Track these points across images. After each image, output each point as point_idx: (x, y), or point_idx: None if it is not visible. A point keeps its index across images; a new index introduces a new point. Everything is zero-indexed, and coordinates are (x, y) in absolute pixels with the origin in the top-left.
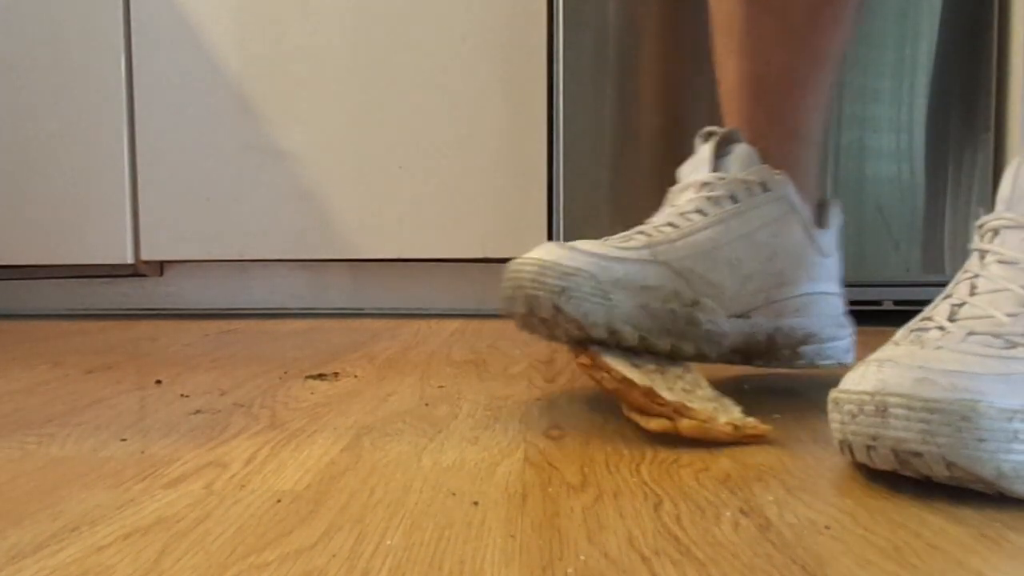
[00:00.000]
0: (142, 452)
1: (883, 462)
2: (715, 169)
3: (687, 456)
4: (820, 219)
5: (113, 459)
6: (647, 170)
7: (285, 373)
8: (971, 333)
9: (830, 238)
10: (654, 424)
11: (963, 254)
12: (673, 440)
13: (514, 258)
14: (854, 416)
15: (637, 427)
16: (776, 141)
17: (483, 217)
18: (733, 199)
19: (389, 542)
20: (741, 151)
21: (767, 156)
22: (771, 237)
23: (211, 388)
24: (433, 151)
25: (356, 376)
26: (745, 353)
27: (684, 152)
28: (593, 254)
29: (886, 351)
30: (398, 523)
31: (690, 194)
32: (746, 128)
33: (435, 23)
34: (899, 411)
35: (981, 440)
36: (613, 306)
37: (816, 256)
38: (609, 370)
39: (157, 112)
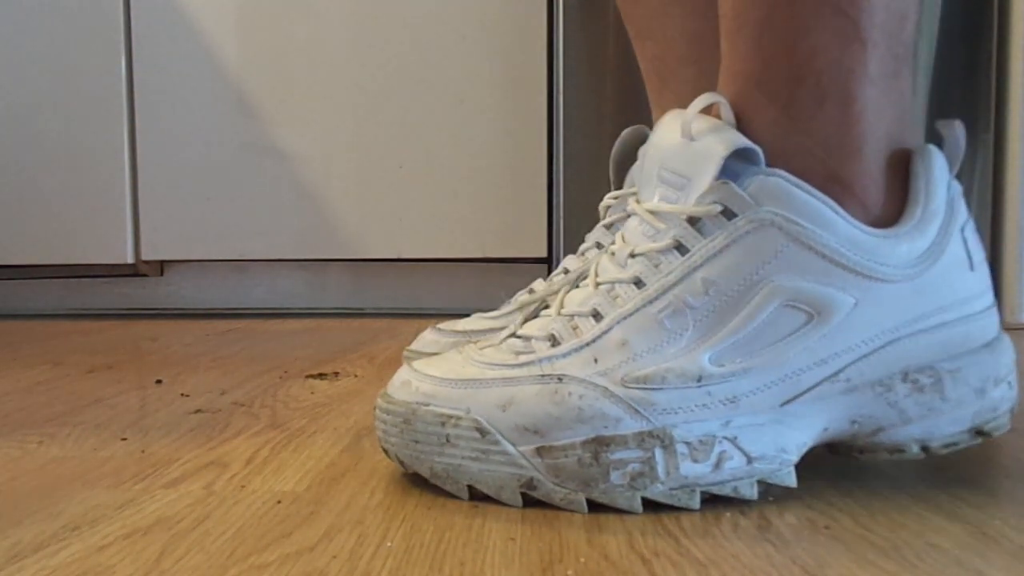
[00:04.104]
0: (142, 452)
1: (388, 455)
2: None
3: None
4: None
5: (113, 459)
6: None
7: (285, 373)
8: (512, 335)
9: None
10: None
11: None
12: None
13: (514, 259)
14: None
15: None
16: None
17: (483, 217)
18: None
19: (389, 544)
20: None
21: None
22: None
23: (211, 388)
24: (433, 151)
25: (356, 376)
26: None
27: None
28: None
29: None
30: (398, 525)
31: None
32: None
33: (435, 23)
34: (378, 412)
35: (416, 441)
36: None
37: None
38: None
39: (157, 112)
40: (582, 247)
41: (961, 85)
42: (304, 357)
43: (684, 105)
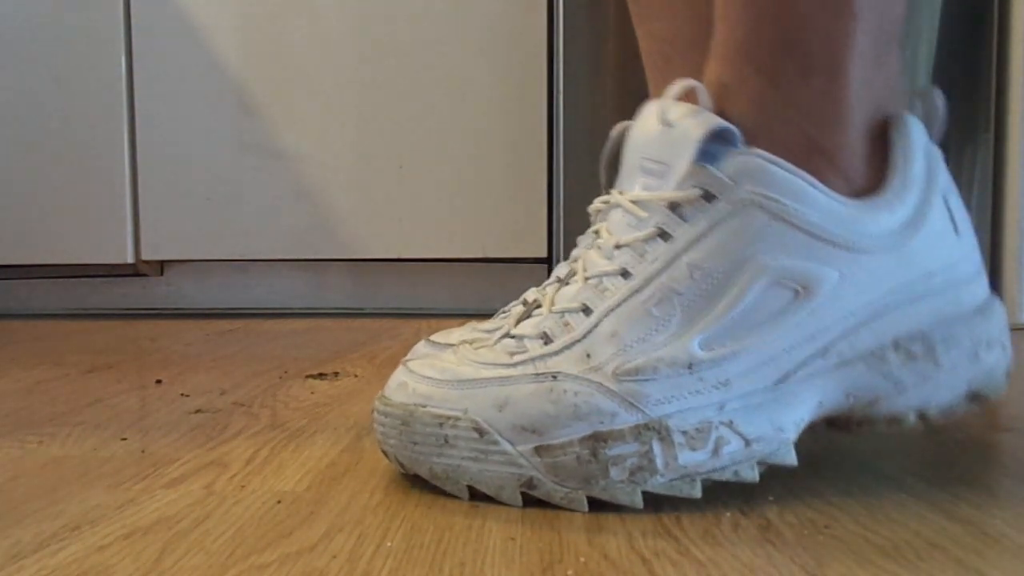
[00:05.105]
0: (142, 452)
1: (387, 457)
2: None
3: None
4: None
5: (113, 459)
6: None
7: (285, 373)
8: (506, 336)
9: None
10: None
11: None
12: None
13: (514, 259)
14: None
15: None
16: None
17: (483, 217)
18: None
19: (389, 544)
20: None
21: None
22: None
23: (211, 388)
24: (433, 151)
25: (356, 376)
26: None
27: None
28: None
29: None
30: (398, 525)
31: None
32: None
33: (435, 23)
34: (377, 414)
35: (415, 443)
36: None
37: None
38: None
39: (157, 112)
40: (573, 252)
41: (961, 85)
42: (304, 357)
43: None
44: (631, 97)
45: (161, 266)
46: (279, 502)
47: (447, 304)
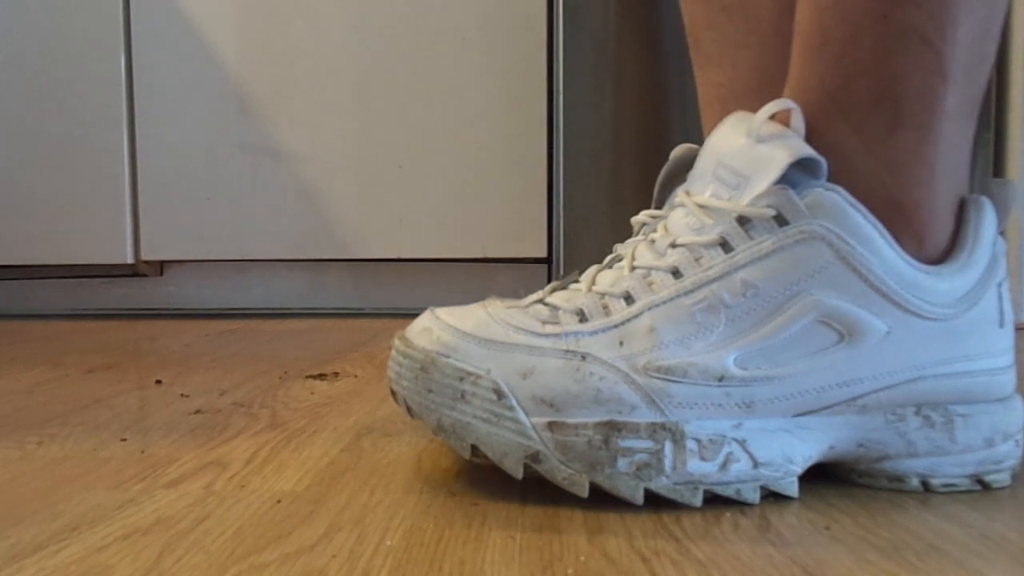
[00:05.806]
0: (142, 452)
1: (395, 397)
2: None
3: None
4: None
5: (113, 459)
6: (647, 170)
7: (285, 373)
8: (538, 302)
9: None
10: None
11: None
12: None
13: (514, 259)
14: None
15: None
16: None
17: (483, 217)
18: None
19: (389, 543)
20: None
21: None
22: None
23: (211, 388)
24: (433, 151)
25: (356, 376)
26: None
27: None
28: None
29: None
30: (398, 524)
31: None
32: None
33: (435, 23)
34: (395, 353)
35: (430, 391)
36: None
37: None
38: None
39: (157, 112)
40: (607, 259)
41: None
42: (304, 357)
43: None
44: (631, 97)
45: (161, 266)
46: (279, 502)
47: (447, 304)
